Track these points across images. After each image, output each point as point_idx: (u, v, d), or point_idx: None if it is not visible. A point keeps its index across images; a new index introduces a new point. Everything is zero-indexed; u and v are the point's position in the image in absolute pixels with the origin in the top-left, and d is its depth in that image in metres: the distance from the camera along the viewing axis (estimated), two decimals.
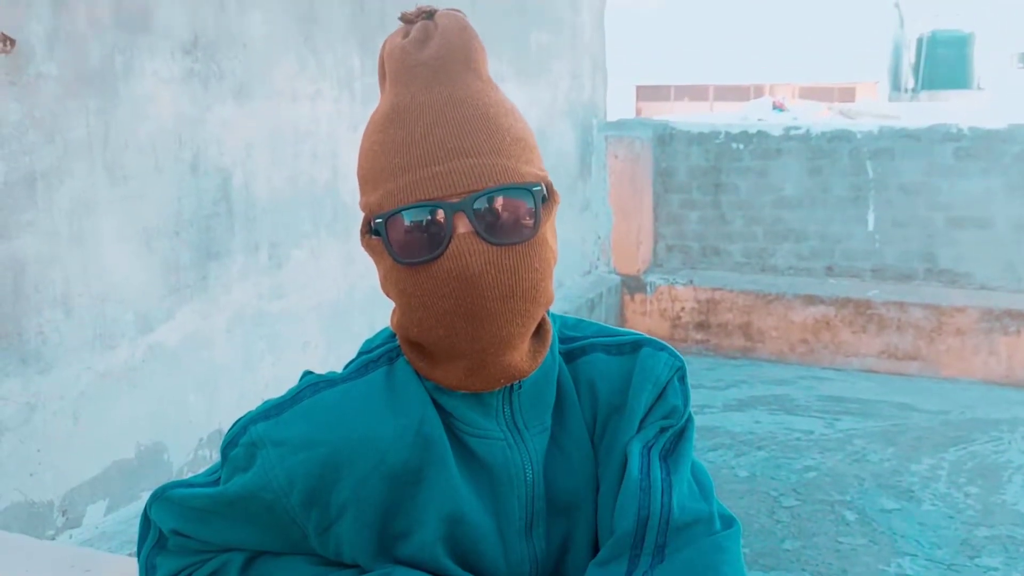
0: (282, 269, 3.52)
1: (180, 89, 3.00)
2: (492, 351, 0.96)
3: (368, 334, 1.15)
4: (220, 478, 1.05)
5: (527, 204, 0.96)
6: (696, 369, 6.19)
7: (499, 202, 0.94)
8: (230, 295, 3.26)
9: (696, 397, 5.63)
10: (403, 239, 0.94)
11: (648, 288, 6.64)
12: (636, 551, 1.02)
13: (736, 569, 1.03)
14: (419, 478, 1.02)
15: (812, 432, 4.98)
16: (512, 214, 0.95)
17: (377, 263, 1.02)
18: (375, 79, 3.99)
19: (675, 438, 1.10)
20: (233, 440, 1.04)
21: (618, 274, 6.74)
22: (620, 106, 16.57)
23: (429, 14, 1.01)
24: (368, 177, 0.99)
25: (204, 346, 3.15)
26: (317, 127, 3.67)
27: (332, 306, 3.81)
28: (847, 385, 5.81)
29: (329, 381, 1.06)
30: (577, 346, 1.12)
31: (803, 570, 3.51)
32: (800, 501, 4.11)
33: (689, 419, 1.12)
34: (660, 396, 1.09)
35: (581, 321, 1.20)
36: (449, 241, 0.93)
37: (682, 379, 1.12)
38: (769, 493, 4.20)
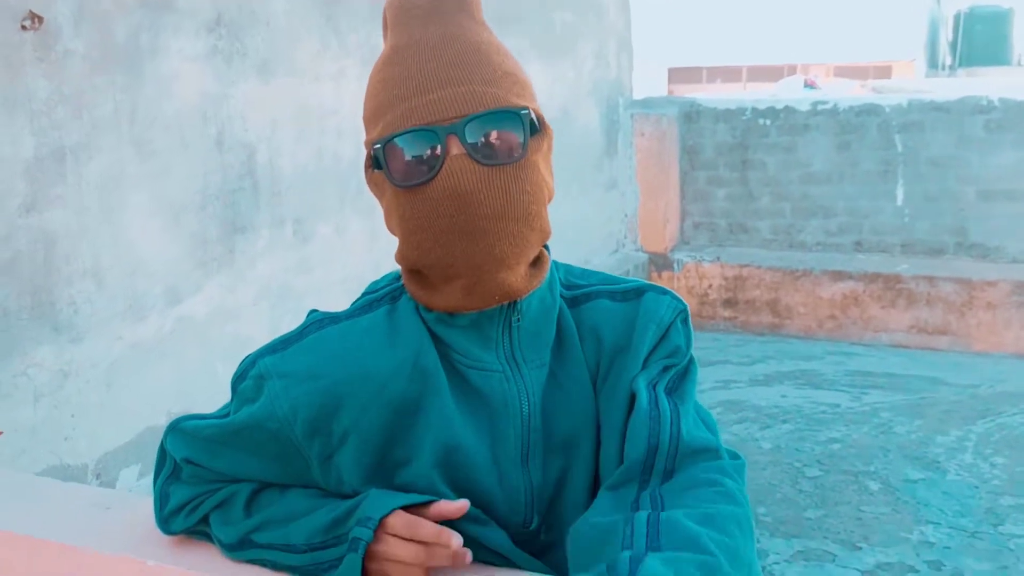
0: (307, 244, 3.59)
1: (204, 66, 3.07)
2: (487, 268, 1.01)
3: None
4: (230, 411, 1.11)
5: (516, 128, 1.01)
6: (724, 345, 6.21)
7: (489, 125, 0.99)
8: (256, 269, 3.33)
9: (722, 372, 5.65)
10: (401, 165, 1.00)
11: (675, 265, 6.65)
12: (646, 476, 1.06)
13: (740, 491, 1.06)
14: (416, 408, 1.07)
15: (838, 406, 4.98)
16: (503, 137, 1.00)
17: (380, 198, 1.08)
18: None
19: (678, 376, 1.14)
20: (242, 374, 1.09)
21: (645, 252, 6.75)
22: (652, 88, 16.48)
23: None
24: (369, 114, 1.05)
25: (231, 318, 3.24)
26: (341, 105, 3.73)
27: (357, 281, 3.86)
28: (875, 360, 5.79)
29: (333, 318, 1.12)
30: (582, 292, 1.17)
31: (825, 537, 3.53)
32: (824, 471, 4.13)
33: (691, 360, 1.17)
34: (663, 336, 1.14)
35: (587, 271, 1.25)
36: (443, 163, 0.98)
37: (684, 321, 1.17)
38: (793, 464, 4.22)
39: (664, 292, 1.18)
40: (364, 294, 1.16)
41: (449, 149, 0.98)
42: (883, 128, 6.26)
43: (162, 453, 1.19)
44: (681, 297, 1.21)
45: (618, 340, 1.14)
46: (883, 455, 4.28)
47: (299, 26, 3.47)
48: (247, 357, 1.11)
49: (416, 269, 1.06)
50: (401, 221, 1.03)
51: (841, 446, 4.40)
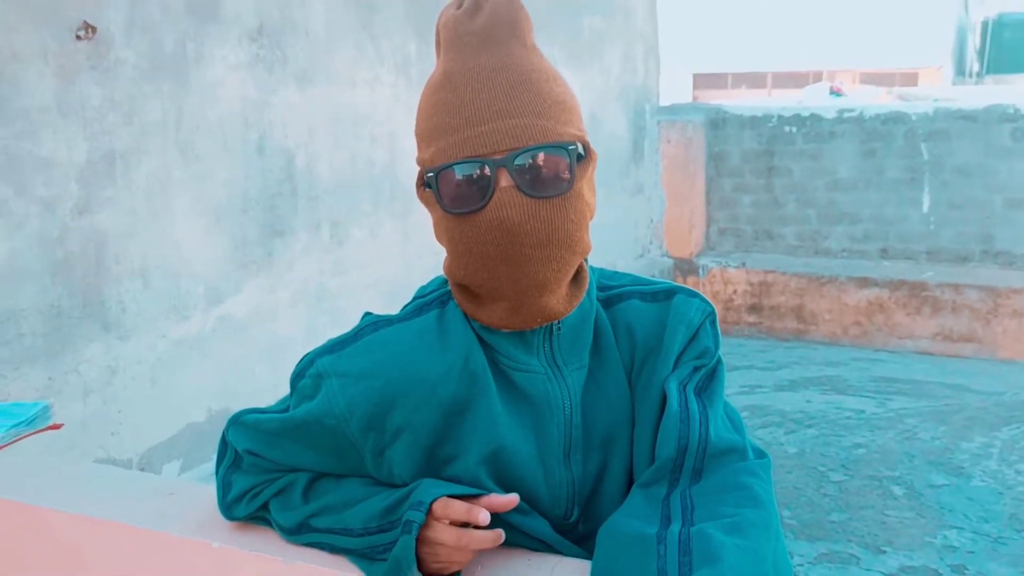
0: (343, 247, 3.68)
1: (247, 74, 3.16)
2: (530, 293, 1.07)
3: None
4: (289, 406, 1.18)
5: (564, 161, 1.05)
6: (748, 351, 6.24)
7: (538, 159, 1.04)
8: (294, 271, 3.42)
9: (747, 378, 5.69)
10: (452, 191, 1.05)
11: (701, 271, 6.70)
12: (676, 475, 1.12)
13: (766, 490, 1.12)
14: (465, 408, 1.14)
15: (863, 411, 5.01)
16: (550, 170, 1.04)
17: (431, 212, 1.13)
18: (431, 66, 4.14)
19: (707, 377, 1.19)
20: (301, 372, 1.17)
21: (671, 257, 6.80)
22: (677, 94, 16.51)
23: None
24: (423, 135, 1.10)
25: (269, 319, 3.33)
26: (375, 111, 3.81)
27: (390, 283, 3.96)
28: (901, 367, 5.81)
29: (387, 320, 1.18)
30: (615, 293, 1.23)
31: (849, 541, 3.57)
32: (848, 476, 4.17)
33: (719, 360, 1.22)
34: (693, 338, 1.19)
35: (617, 272, 1.31)
36: (492, 194, 1.03)
37: (712, 323, 1.22)
38: (817, 468, 4.26)
39: (694, 295, 1.24)
40: (415, 298, 1.22)
41: (499, 181, 1.03)
42: (909, 136, 6.29)
43: (224, 444, 1.27)
44: (708, 300, 1.28)
45: (649, 339, 1.20)
46: (908, 460, 4.31)
47: (336, 34, 3.56)
48: (305, 356, 1.18)
49: (463, 284, 1.12)
50: (450, 242, 1.08)
51: (866, 451, 4.44)
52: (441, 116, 1.06)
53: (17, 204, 2.45)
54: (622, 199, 6.31)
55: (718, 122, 6.72)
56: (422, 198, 1.13)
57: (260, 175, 3.24)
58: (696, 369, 1.19)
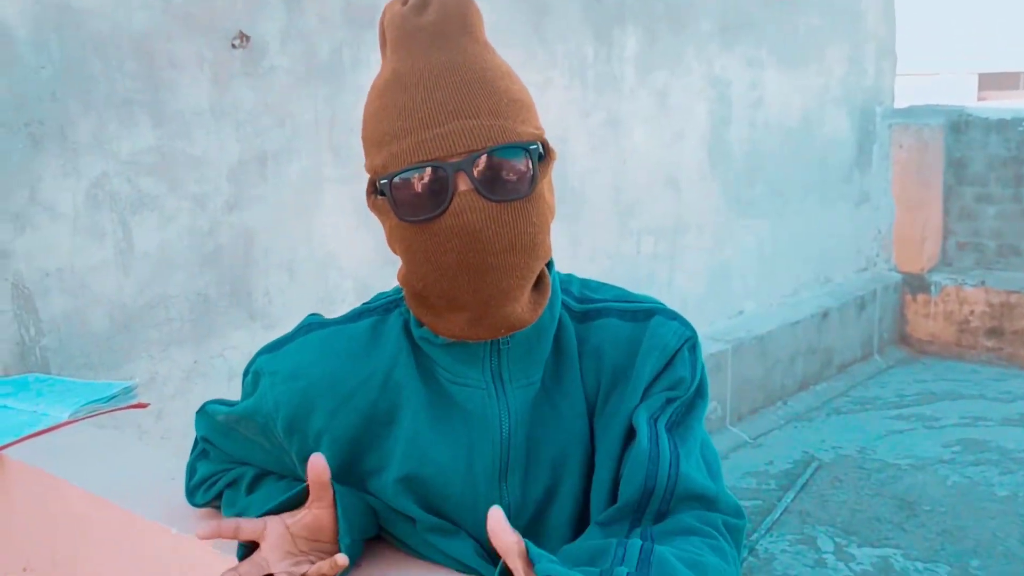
0: None
1: None
2: (493, 303, 1.01)
3: None
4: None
5: (525, 161, 0.99)
6: (981, 379, 5.65)
7: (497, 160, 0.98)
8: None
9: (972, 408, 5.15)
10: (406, 198, 0.99)
11: (932, 288, 6.14)
12: (638, 515, 1.04)
13: (731, 552, 1.03)
14: (390, 419, 1.11)
15: None
16: (510, 171, 0.98)
17: (383, 222, 1.08)
18: (610, 68, 4.15)
19: (683, 410, 1.10)
20: (247, 368, 1.19)
21: (899, 272, 6.28)
22: (957, 96, 15.20)
23: None
24: (372, 141, 1.04)
25: None
26: (545, 114, 3.79)
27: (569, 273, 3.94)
28: None
29: (321, 323, 1.18)
30: (593, 308, 1.15)
31: None
32: None
33: (698, 391, 1.12)
34: (667, 365, 1.10)
35: (606, 285, 1.22)
36: (451, 199, 0.97)
37: (692, 349, 1.12)
38: None
39: (673, 317, 1.14)
40: (363, 303, 1.20)
41: (457, 185, 0.97)
42: None
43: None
44: (691, 324, 1.16)
45: (619, 362, 1.11)
46: None
47: (503, 37, 3.59)
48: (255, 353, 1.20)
49: (422, 294, 1.07)
50: (405, 252, 1.03)
51: None
52: (392, 119, 1.01)
53: (169, 199, 2.68)
54: (843, 207, 5.90)
55: (960, 126, 6.12)
56: (373, 207, 1.08)
57: None
58: (669, 401, 1.09)
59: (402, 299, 1.15)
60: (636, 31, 4.21)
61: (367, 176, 1.09)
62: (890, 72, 6.26)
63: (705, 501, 1.05)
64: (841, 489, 4.23)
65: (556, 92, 3.84)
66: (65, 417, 1.80)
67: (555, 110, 3.85)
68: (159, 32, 2.62)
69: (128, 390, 1.93)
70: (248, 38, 2.81)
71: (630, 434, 1.08)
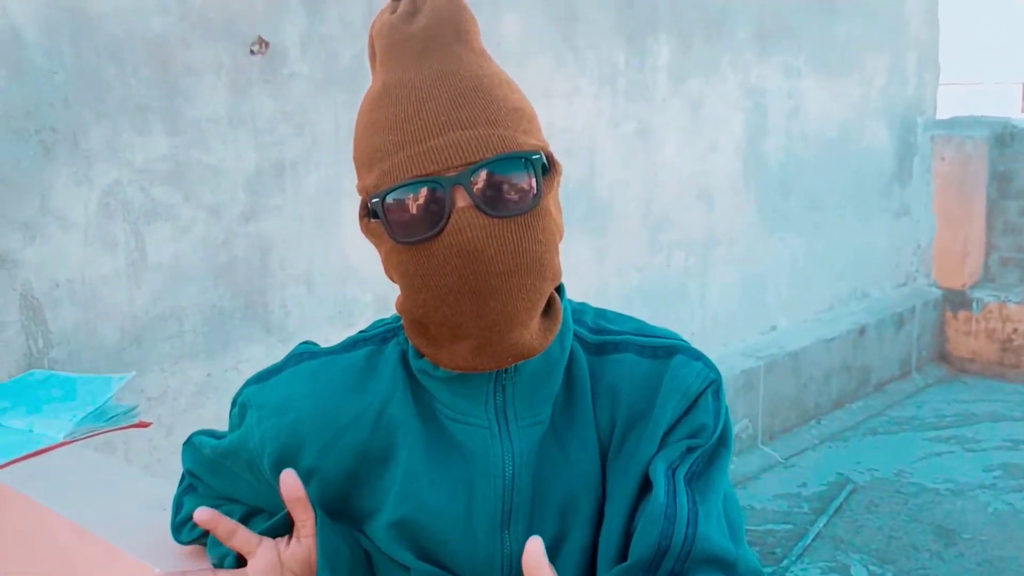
0: None
1: None
2: (498, 328, 0.92)
3: None
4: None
5: (528, 173, 0.92)
6: (1023, 400, 5.46)
7: (498, 172, 0.90)
8: None
9: (1016, 431, 4.97)
10: (401, 218, 0.92)
11: (974, 305, 5.95)
12: (650, 575, 0.96)
13: None
14: (386, 457, 1.03)
15: None
16: (512, 184, 0.91)
17: (377, 246, 1.00)
18: (642, 76, 4.01)
19: (704, 460, 1.01)
20: (235, 398, 1.11)
21: (939, 288, 6.11)
22: (1001, 107, 14.88)
23: None
24: (363, 159, 0.97)
25: None
26: (573, 123, 3.72)
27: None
28: None
29: (312, 353, 1.09)
30: (610, 340, 1.06)
31: None
32: None
33: (721, 439, 1.02)
34: (688, 410, 1.01)
35: (622, 316, 1.13)
36: (449, 217, 0.90)
37: (716, 394, 1.03)
38: None
39: (697, 357, 1.05)
40: (360, 331, 1.12)
41: (455, 201, 0.89)
42: None
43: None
44: (716, 366, 1.07)
45: (636, 404, 1.02)
46: None
47: (531, 45, 3.50)
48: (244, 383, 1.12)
49: (421, 322, 0.98)
50: (403, 276, 0.95)
51: None
52: (383, 135, 0.93)
53: (184, 209, 2.61)
54: (882, 221, 5.74)
55: (1005, 138, 5.94)
56: (366, 230, 1.00)
57: None
58: (690, 450, 1.00)
59: (400, 327, 1.06)
60: (669, 39, 4.10)
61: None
62: (932, 82, 6.09)
63: (724, 565, 0.95)
64: (876, 514, 4.08)
65: (585, 101, 3.74)
66: (60, 438, 1.73)
67: (584, 119, 3.75)
68: (176, 37, 2.56)
69: (129, 411, 1.86)
70: (267, 44, 2.74)
71: (646, 484, 0.99)
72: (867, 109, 5.50)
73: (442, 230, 0.90)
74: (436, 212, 0.90)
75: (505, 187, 0.90)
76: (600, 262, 3.88)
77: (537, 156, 0.93)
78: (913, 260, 6.09)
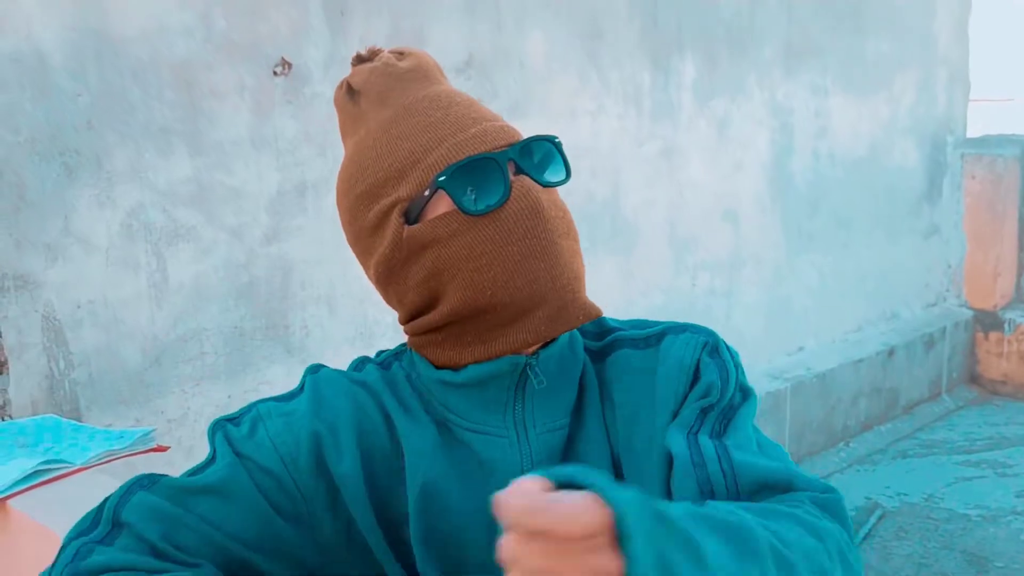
0: None
1: None
2: (571, 288, 0.97)
3: None
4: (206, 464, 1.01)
5: (558, 150, 1.03)
6: None
7: (538, 148, 1.01)
8: None
9: None
10: (466, 192, 0.97)
11: (1007, 326, 5.85)
12: None
13: (836, 529, 0.87)
14: (402, 468, 1.01)
15: None
16: (550, 158, 1.02)
17: (431, 249, 0.98)
18: (667, 94, 4.01)
19: (721, 418, 0.98)
20: (233, 418, 1.05)
21: (970, 308, 6.01)
22: None
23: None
24: (391, 172, 0.99)
25: None
26: (597, 142, 3.69)
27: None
28: None
29: (324, 366, 1.11)
30: (607, 342, 1.08)
31: None
32: None
33: (736, 393, 1.01)
34: (693, 382, 1.01)
35: (620, 320, 1.15)
36: (511, 184, 0.97)
37: (713, 352, 1.03)
38: None
39: (683, 329, 1.06)
40: (361, 356, 1.15)
41: (511, 172, 0.98)
42: None
43: (97, 510, 1.02)
44: (705, 327, 1.07)
45: (636, 395, 1.03)
46: None
47: (555, 64, 3.48)
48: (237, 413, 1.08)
49: (462, 319, 0.98)
50: (467, 261, 0.95)
51: None
52: (416, 139, 0.99)
53: (206, 231, 2.61)
54: (910, 241, 5.66)
55: None
56: (416, 236, 0.97)
57: None
58: (704, 411, 0.98)
59: (399, 353, 1.10)
60: (695, 57, 4.07)
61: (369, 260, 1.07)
62: (962, 100, 6.01)
63: (778, 486, 0.91)
64: (906, 541, 4.00)
65: (609, 120, 3.72)
66: (78, 463, 1.71)
67: (608, 139, 3.72)
68: (200, 60, 2.56)
69: (146, 434, 1.84)
70: (290, 65, 2.74)
71: (671, 465, 0.96)
72: (895, 127, 5.43)
73: (509, 196, 0.96)
74: (499, 181, 0.96)
75: (547, 160, 1.02)
76: (625, 282, 3.84)
77: (559, 141, 1.03)
78: (943, 280, 6.00)
